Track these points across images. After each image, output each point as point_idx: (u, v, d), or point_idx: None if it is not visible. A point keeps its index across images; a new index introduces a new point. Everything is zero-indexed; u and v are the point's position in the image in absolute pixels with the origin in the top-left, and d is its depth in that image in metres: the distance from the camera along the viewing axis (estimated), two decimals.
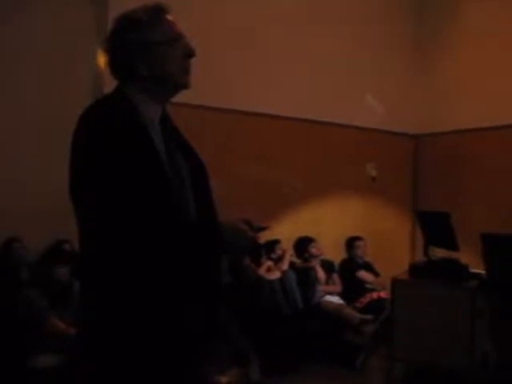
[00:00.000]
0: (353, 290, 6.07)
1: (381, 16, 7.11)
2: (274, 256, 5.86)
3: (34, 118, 4.99)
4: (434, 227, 5.00)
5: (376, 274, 6.30)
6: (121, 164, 1.63)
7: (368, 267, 6.34)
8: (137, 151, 1.68)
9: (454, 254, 4.78)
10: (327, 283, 6.12)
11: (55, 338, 3.88)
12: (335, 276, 6.24)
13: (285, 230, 6.19)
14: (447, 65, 7.09)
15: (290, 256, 5.95)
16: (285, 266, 5.78)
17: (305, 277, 5.82)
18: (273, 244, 5.90)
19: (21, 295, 4.01)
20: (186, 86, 1.87)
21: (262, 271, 5.56)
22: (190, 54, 1.85)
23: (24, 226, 4.63)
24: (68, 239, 4.71)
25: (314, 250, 6.10)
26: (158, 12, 1.83)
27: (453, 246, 4.71)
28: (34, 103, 5.02)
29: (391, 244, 7.03)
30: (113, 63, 1.84)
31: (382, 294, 5.85)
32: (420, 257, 5.52)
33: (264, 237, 5.63)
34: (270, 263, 5.71)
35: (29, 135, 4.95)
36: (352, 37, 6.84)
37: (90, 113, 1.73)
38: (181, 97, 1.94)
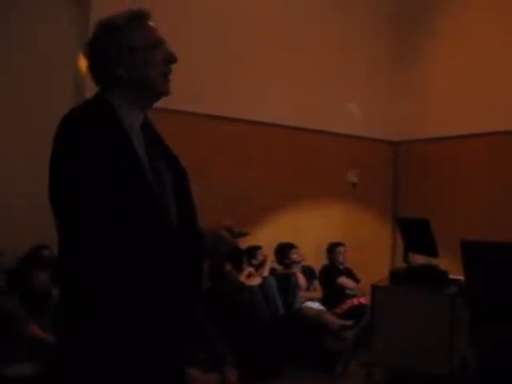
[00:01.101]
0: (333, 295, 6.09)
1: (363, 25, 7.15)
2: (255, 262, 5.86)
3: (15, 121, 4.95)
4: (414, 233, 5.04)
5: (356, 280, 6.32)
6: (101, 169, 1.63)
7: (348, 273, 6.36)
8: (117, 156, 1.68)
9: (433, 261, 4.81)
10: (308, 289, 6.13)
11: (33, 346, 3.84)
12: (316, 282, 6.25)
13: (266, 236, 6.19)
14: (427, 73, 7.15)
15: (271, 262, 5.96)
16: (266, 272, 5.78)
17: (286, 283, 5.82)
18: (254, 250, 5.90)
19: None
20: (166, 92, 1.86)
21: (242, 277, 5.55)
22: (170, 59, 1.84)
23: (1, 230, 4.58)
24: (47, 244, 4.65)
25: (295, 256, 6.11)
26: (139, 18, 1.82)
27: (432, 252, 4.74)
28: (16, 106, 4.98)
29: (371, 250, 7.05)
30: (93, 68, 1.84)
31: (362, 300, 5.88)
32: (400, 263, 5.56)
33: (245, 243, 5.63)
34: (250, 269, 5.70)
35: (9, 138, 4.90)
36: (333, 45, 6.88)
37: (70, 118, 1.72)
38: (161, 102, 1.93)
